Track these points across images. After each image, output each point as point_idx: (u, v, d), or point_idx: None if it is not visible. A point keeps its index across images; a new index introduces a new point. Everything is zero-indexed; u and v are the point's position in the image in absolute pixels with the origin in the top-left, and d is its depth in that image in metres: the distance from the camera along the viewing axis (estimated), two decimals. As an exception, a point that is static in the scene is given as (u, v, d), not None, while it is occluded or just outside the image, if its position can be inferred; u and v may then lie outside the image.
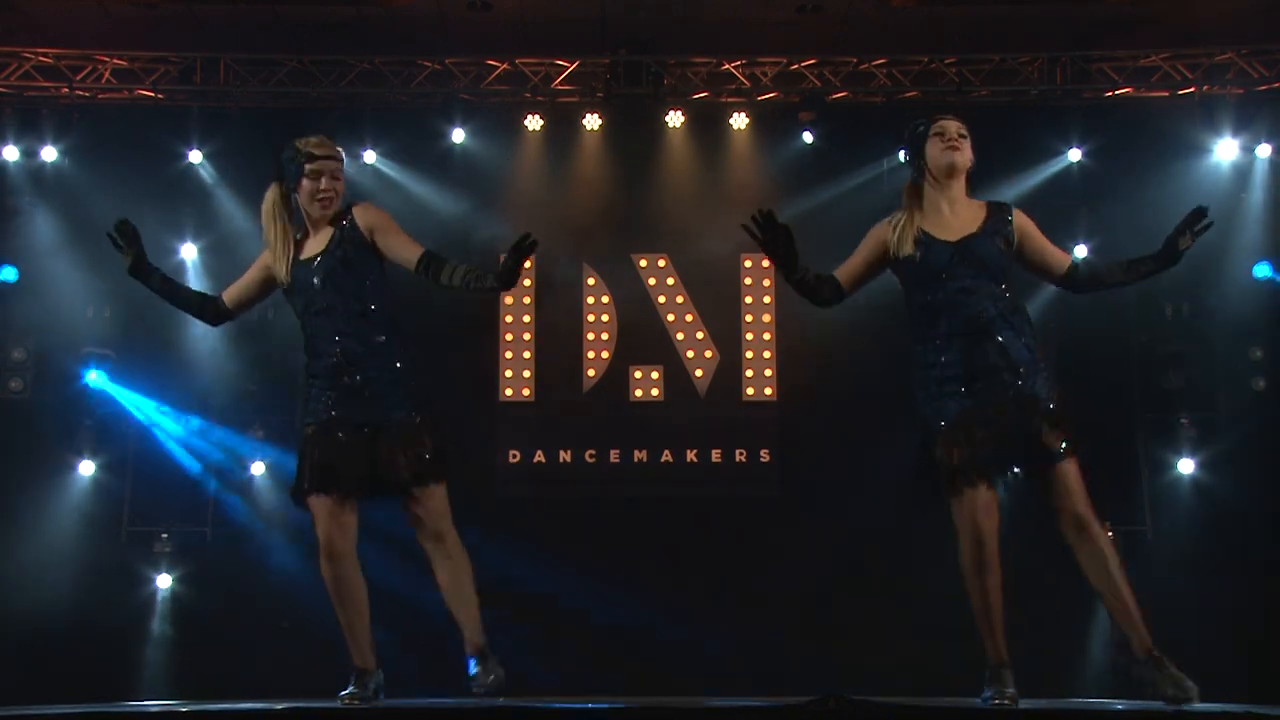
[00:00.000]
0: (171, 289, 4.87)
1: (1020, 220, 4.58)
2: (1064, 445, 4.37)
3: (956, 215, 4.55)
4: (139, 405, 9.22)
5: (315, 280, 4.62)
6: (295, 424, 6.05)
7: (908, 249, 4.52)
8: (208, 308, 4.90)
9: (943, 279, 4.48)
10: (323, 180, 4.64)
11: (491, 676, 4.63)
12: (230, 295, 4.88)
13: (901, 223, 4.57)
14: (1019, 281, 4.62)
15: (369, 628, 4.65)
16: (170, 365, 9.19)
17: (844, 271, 4.66)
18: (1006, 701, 4.28)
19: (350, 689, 4.56)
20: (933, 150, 4.56)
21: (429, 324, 9.23)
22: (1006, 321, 4.47)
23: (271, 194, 4.73)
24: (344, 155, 4.82)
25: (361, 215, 4.66)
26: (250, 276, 4.85)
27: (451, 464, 4.68)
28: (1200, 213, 4.59)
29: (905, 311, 4.65)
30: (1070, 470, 4.39)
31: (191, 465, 9.18)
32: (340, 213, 4.68)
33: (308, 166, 4.64)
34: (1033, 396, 4.41)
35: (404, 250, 4.62)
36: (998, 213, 4.57)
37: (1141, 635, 4.36)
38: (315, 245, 4.68)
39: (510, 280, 4.48)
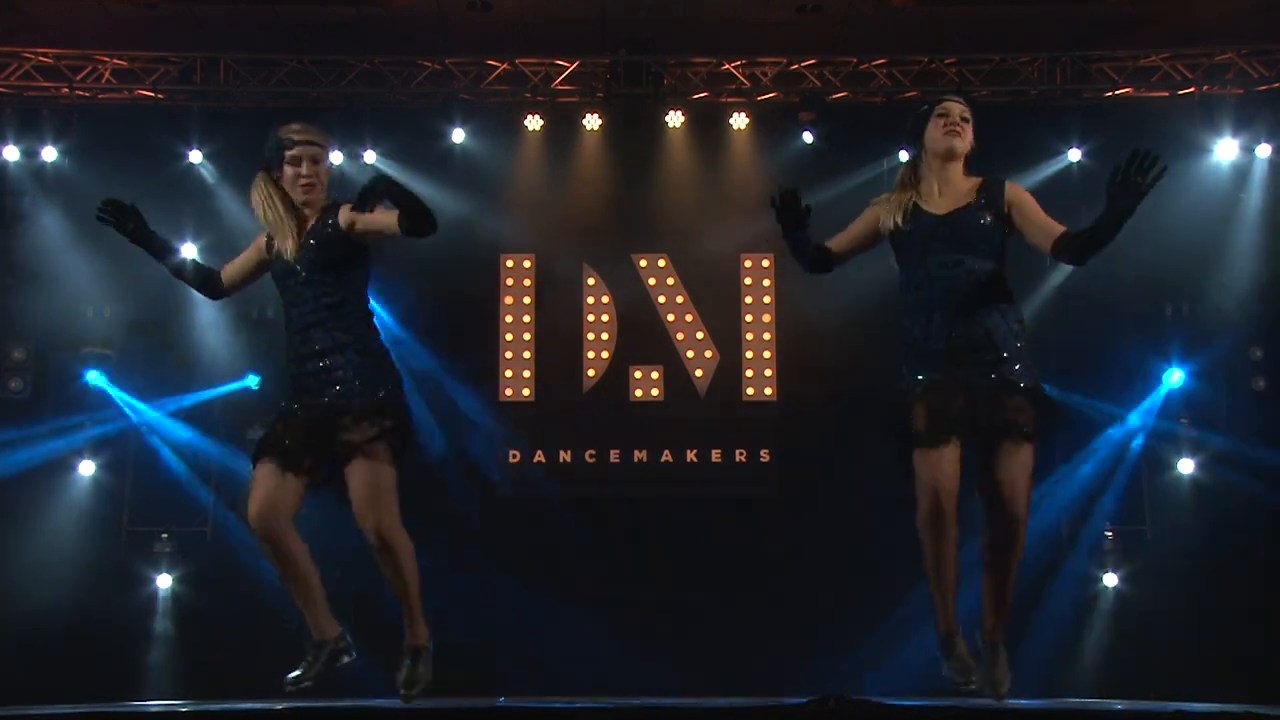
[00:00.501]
0: (172, 258, 4.90)
1: (1013, 192, 4.52)
2: (1027, 427, 4.35)
3: (948, 192, 4.53)
4: (135, 407, 9.22)
5: (292, 271, 4.64)
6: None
7: (896, 221, 4.52)
8: (209, 282, 4.94)
9: (926, 251, 4.46)
10: (303, 165, 4.64)
11: (418, 686, 4.64)
12: (227, 273, 4.93)
13: (893, 198, 4.58)
14: (1011, 262, 4.58)
15: (318, 594, 4.63)
16: (171, 365, 9.19)
17: (836, 241, 4.69)
18: (973, 683, 4.31)
19: (295, 672, 4.56)
20: (933, 131, 4.56)
21: (429, 324, 9.30)
22: (993, 305, 4.43)
23: (260, 179, 4.73)
24: (328, 141, 4.79)
25: (343, 214, 4.62)
26: (247, 257, 4.88)
27: (406, 452, 4.60)
28: (1143, 157, 4.11)
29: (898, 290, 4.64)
30: (1024, 455, 4.37)
31: (182, 468, 9.18)
32: (329, 208, 4.67)
33: (288, 153, 4.65)
34: (1011, 378, 4.38)
35: (383, 221, 4.50)
36: (990, 187, 4.53)
37: (997, 623, 4.46)
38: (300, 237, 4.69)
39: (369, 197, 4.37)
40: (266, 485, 4.52)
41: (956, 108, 4.58)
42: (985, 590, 4.52)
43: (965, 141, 4.56)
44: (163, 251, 4.86)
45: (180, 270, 4.97)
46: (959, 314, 4.40)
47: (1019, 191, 4.54)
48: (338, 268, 4.61)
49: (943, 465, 4.33)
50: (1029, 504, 4.42)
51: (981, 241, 4.45)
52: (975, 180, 4.58)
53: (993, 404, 4.35)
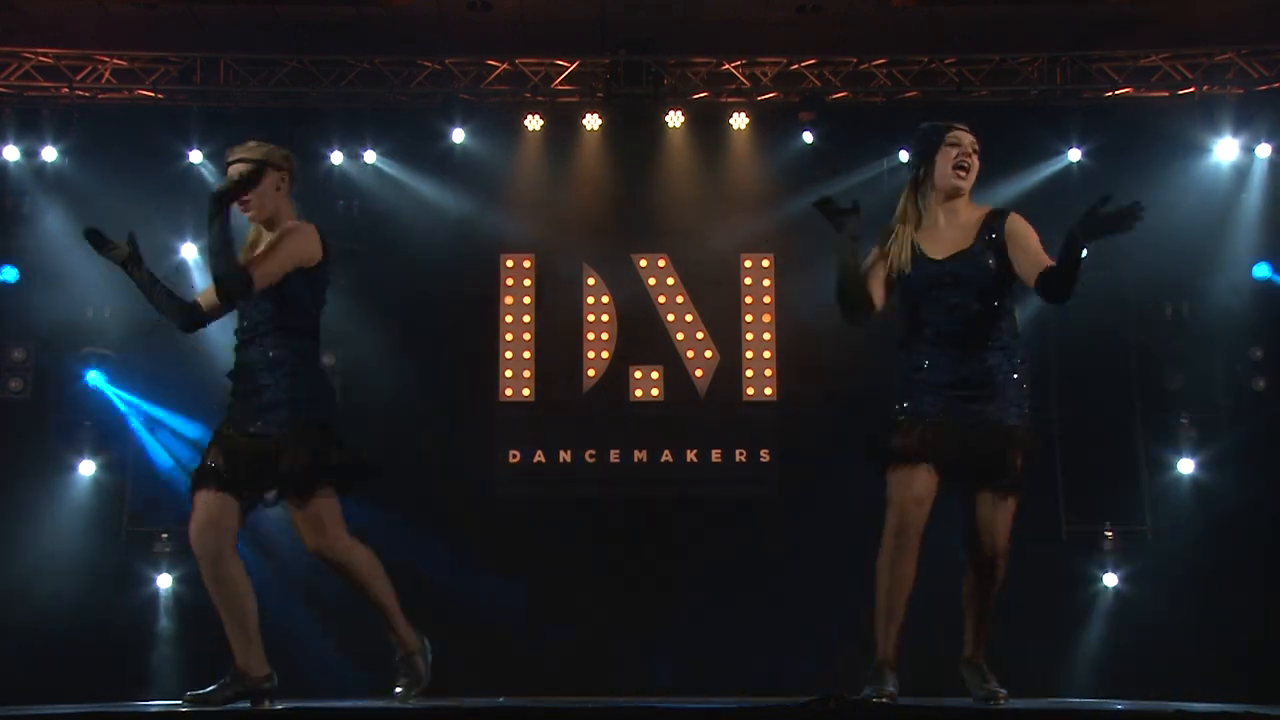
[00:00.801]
0: (155, 289, 4.77)
1: (1011, 227, 4.42)
2: (1015, 480, 4.39)
3: (951, 228, 4.46)
4: (136, 406, 9.22)
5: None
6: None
7: (900, 268, 4.47)
8: (183, 313, 4.83)
9: (930, 296, 4.42)
10: None
11: (399, 688, 4.64)
12: (205, 298, 4.86)
13: (898, 237, 4.51)
14: (1016, 293, 4.55)
15: (252, 629, 4.59)
16: (171, 365, 9.18)
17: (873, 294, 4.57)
18: (885, 699, 4.29)
19: (201, 690, 4.54)
20: (943, 162, 4.48)
21: (429, 324, 9.31)
22: (998, 345, 4.41)
23: None
24: (272, 157, 4.81)
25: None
26: None
27: (342, 476, 4.56)
28: (1134, 211, 4.05)
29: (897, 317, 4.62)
30: (1009, 504, 4.43)
31: (182, 468, 9.16)
32: (290, 229, 4.66)
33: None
34: (1003, 422, 4.38)
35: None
36: (991, 223, 4.44)
37: (978, 646, 4.56)
38: None
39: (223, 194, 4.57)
40: (206, 510, 4.49)
41: (967, 138, 4.51)
42: (967, 617, 4.59)
43: (972, 178, 4.50)
44: (140, 275, 4.70)
45: (151, 288, 4.73)
46: (962, 355, 4.39)
47: (1019, 225, 4.45)
48: (278, 290, 4.56)
49: (914, 489, 4.36)
50: (1009, 550, 4.48)
51: (985, 285, 4.40)
52: (980, 213, 4.50)
53: (984, 448, 4.36)
